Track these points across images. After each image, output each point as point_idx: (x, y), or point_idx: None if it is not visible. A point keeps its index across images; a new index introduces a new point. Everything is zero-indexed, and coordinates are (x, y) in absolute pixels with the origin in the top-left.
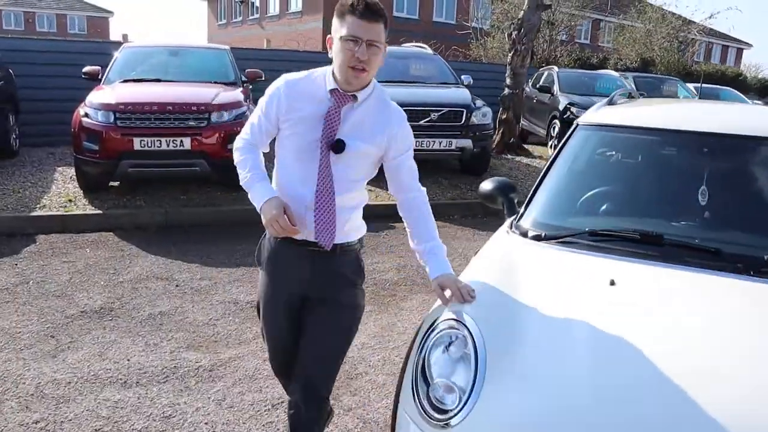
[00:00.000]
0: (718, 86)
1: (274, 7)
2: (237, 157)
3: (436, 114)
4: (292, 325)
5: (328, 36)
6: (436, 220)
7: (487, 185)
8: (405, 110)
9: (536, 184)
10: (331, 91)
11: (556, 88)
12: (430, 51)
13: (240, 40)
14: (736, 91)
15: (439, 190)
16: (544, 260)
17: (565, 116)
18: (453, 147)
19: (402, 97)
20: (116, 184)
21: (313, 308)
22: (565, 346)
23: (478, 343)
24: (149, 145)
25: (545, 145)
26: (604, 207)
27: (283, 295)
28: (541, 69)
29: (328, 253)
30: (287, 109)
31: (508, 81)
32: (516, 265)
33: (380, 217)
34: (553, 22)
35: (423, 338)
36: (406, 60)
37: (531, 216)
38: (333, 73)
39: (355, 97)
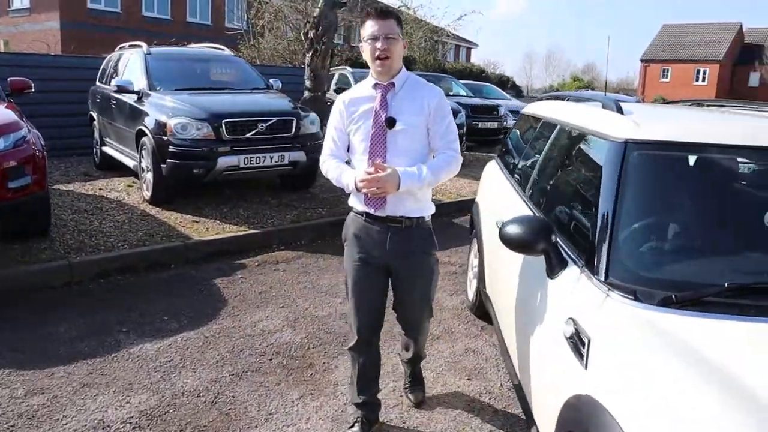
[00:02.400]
0: (480, 82)
1: None
2: (325, 168)
3: (264, 125)
4: (380, 288)
5: (361, 45)
6: (282, 248)
7: (516, 229)
8: (227, 123)
9: (595, 222)
10: (374, 85)
11: None
12: (228, 52)
13: None
14: (495, 87)
15: (273, 212)
16: (728, 343)
17: None
18: (286, 161)
19: (220, 106)
20: None
21: (395, 274)
22: None
23: None
24: None
25: None
26: (711, 247)
27: (368, 264)
28: (332, 69)
29: (404, 228)
30: (348, 115)
31: (308, 83)
32: (701, 359)
33: (223, 254)
34: None
35: None
36: (206, 63)
37: (622, 269)
38: (372, 74)
39: (393, 84)
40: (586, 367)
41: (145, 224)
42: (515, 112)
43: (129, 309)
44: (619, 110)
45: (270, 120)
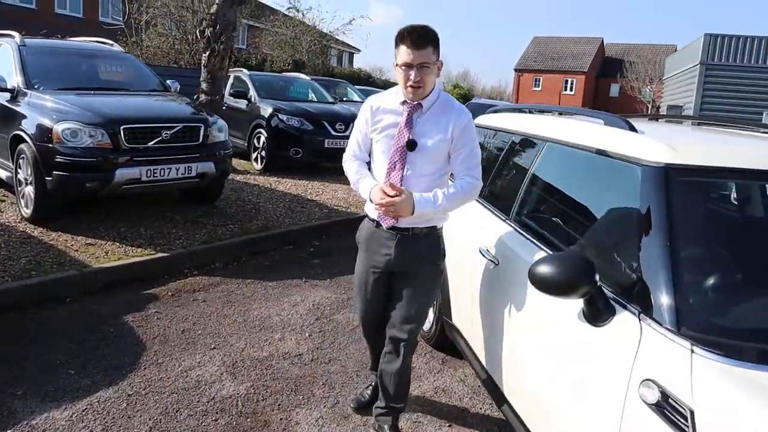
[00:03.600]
0: (371, 88)
1: None
2: (346, 167)
3: (168, 132)
4: (381, 292)
5: (394, 65)
6: (195, 273)
7: (549, 269)
8: (126, 129)
9: (647, 259)
10: (402, 102)
11: (253, 93)
12: (118, 48)
13: None
14: None
15: (180, 231)
16: None
17: (273, 125)
18: (193, 173)
19: (116, 110)
20: None
21: (399, 280)
22: None
23: None
24: None
25: (246, 158)
26: None
27: (375, 267)
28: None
29: (411, 236)
30: (373, 123)
31: (204, 86)
32: None
33: (129, 282)
34: None
35: None
36: (94, 59)
37: (696, 316)
38: (401, 91)
39: (421, 105)
40: None
41: (27, 249)
42: None
43: (20, 362)
44: (632, 129)
45: (175, 127)
